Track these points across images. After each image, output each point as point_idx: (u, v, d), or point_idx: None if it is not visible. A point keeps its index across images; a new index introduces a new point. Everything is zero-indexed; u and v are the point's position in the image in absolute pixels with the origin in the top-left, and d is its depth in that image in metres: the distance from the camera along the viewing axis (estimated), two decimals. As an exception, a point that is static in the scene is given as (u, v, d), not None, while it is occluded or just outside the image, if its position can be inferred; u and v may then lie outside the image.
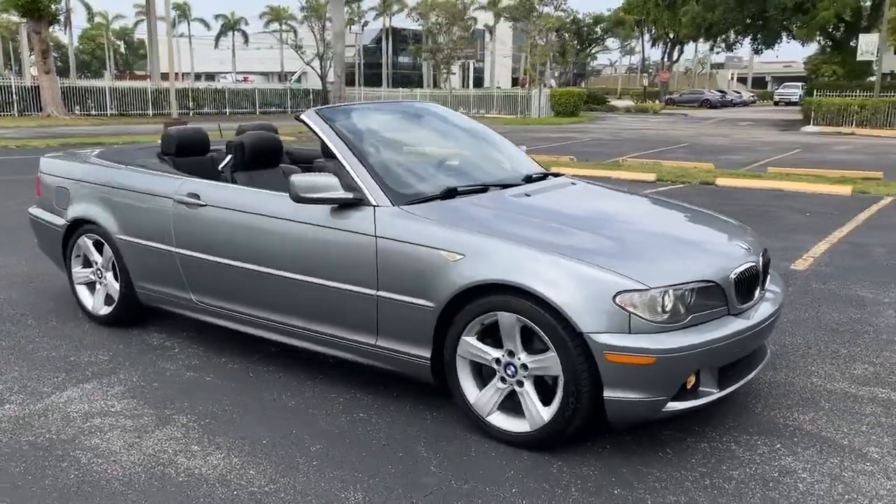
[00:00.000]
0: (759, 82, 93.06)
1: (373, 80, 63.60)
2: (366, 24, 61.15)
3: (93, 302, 4.68)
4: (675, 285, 2.88)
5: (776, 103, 57.78)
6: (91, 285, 4.73)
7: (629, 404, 2.86)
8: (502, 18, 58.91)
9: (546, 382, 3.05)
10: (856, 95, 27.51)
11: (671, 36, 57.40)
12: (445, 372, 3.25)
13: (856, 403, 3.53)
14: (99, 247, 4.58)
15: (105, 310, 4.61)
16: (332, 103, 26.52)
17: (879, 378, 3.83)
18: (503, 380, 3.10)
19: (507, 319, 3.00)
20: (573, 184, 4.10)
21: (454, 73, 69.09)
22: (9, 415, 3.42)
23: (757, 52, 36.64)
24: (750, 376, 3.20)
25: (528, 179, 3.99)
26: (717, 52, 42.89)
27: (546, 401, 3.02)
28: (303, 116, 3.80)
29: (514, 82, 71.20)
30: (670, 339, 2.82)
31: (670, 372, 2.84)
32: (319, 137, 3.71)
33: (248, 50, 76.26)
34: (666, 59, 59.24)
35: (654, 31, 53.42)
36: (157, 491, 2.79)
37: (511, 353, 3.06)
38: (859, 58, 27.54)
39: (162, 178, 4.24)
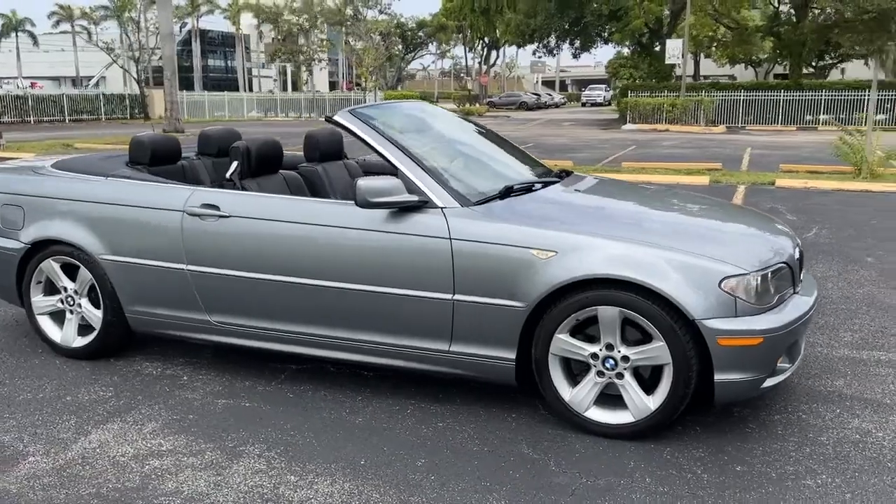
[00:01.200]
0: (560, 85, 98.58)
1: (182, 83, 60.37)
2: (183, 24, 57.95)
3: (62, 334, 4.12)
4: (763, 269, 3.07)
5: (583, 104, 62.04)
6: (57, 315, 4.17)
7: (736, 385, 3.00)
8: (319, 21, 58.49)
9: (640, 372, 3.14)
10: (665, 96, 30.19)
11: (486, 41, 59.78)
12: (535, 371, 3.23)
13: (867, 366, 3.93)
14: (69, 270, 4.05)
15: (80, 341, 4.08)
16: (167, 109, 24.97)
17: (868, 343, 4.29)
18: (601, 373, 3.14)
19: (608, 313, 3.04)
20: (596, 179, 4.21)
21: (270, 78, 67.39)
22: (43, 468, 2.96)
23: (575, 55, 39.15)
24: (803, 349, 3.47)
25: (558, 176, 4.05)
26: (540, 57, 45.14)
27: (647, 390, 3.10)
28: (337, 118, 3.60)
29: (332, 86, 70.73)
30: (769, 319, 3.00)
31: (772, 350, 3.02)
32: (363, 141, 3.53)
33: (35, 53, 69.60)
34: (483, 64, 61.55)
35: (469, 36, 55.31)
36: (291, 528, 2.55)
37: (610, 347, 3.10)
38: (667, 61, 30.32)
39: (163, 188, 3.83)
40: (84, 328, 4.09)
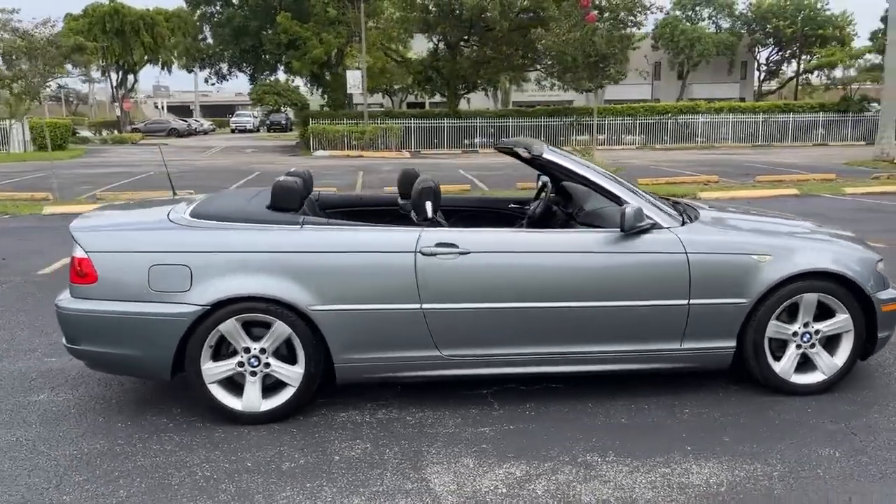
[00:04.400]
0: (182, 111, 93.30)
1: None
2: None
3: (243, 400, 3.71)
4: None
5: (233, 131, 61.11)
6: (227, 381, 3.73)
7: (883, 340, 4.16)
8: None
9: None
10: (344, 123, 31.68)
11: (122, 64, 55.73)
12: (752, 353, 3.99)
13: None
14: (249, 329, 3.69)
15: (268, 403, 3.73)
16: None
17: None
18: (798, 346, 4.05)
19: (809, 298, 3.97)
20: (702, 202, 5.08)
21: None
22: (458, 516, 2.92)
23: (252, 81, 38.73)
24: None
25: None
26: (212, 84, 43.60)
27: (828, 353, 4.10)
28: (547, 156, 4.00)
29: None
30: (896, 291, 4.23)
31: (901, 313, 4.25)
32: (575, 174, 3.99)
33: None
34: (119, 88, 57.20)
35: (106, 58, 51.16)
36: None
37: (806, 325, 4.03)
38: (349, 91, 31.92)
39: (389, 232, 3.78)
40: (269, 389, 3.76)
